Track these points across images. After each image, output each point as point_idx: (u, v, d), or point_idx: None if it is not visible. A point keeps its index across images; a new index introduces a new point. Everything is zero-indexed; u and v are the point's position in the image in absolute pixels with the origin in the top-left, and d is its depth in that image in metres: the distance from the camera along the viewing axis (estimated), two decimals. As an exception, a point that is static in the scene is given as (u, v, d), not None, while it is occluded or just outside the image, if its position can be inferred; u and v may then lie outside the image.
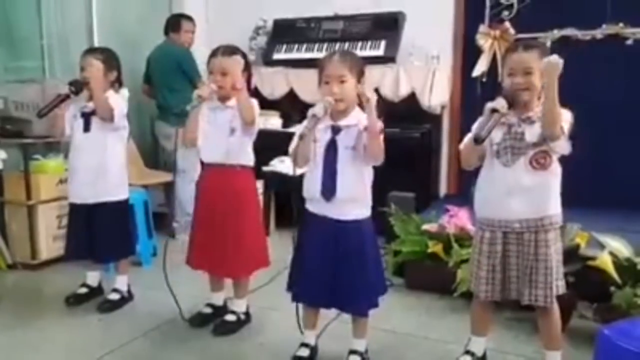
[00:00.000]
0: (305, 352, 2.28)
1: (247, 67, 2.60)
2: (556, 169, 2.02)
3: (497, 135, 2.00)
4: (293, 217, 2.28)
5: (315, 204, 2.17)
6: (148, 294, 2.98)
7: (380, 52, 4.27)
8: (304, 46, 4.57)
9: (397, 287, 3.17)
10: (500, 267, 2.06)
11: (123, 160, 2.91)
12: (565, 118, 1.94)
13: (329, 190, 2.11)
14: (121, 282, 2.94)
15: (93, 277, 3.01)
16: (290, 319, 2.28)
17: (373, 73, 4.20)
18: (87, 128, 2.79)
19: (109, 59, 2.85)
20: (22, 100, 3.45)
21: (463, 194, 4.22)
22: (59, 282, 3.09)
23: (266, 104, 4.46)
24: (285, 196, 4.21)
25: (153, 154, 4.60)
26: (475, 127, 2.01)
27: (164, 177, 4.18)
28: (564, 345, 2.16)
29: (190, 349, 2.47)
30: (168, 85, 4.15)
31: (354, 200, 2.14)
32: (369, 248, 2.17)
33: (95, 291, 3.01)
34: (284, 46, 4.65)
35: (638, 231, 2.78)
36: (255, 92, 4.61)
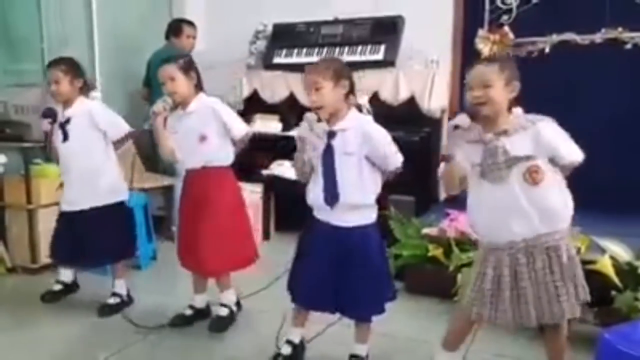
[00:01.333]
0: (287, 349, 2.29)
1: (193, 68, 2.63)
2: (552, 180, 1.91)
3: (475, 155, 1.93)
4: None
5: (319, 210, 2.18)
6: (147, 297, 2.98)
7: (379, 56, 4.28)
8: (304, 50, 4.58)
9: (397, 291, 3.16)
10: (509, 293, 1.92)
11: (114, 160, 2.92)
12: (567, 139, 1.92)
13: (331, 196, 2.11)
14: (120, 286, 2.94)
15: (67, 274, 3.05)
16: (289, 322, 2.31)
17: (372, 77, 4.22)
18: (65, 137, 2.81)
19: (73, 67, 2.87)
20: (22, 104, 3.45)
21: (463, 198, 4.23)
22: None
23: (266, 108, 4.48)
24: (286, 200, 4.23)
25: (152, 157, 4.60)
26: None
27: (163, 180, 4.18)
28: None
29: (188, 352, 2.47)
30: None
31: (357, 206, 2.13)
32: (375, 254, 2.17)
33: (71, 287, 3.05)
34: (284, 50, 4.66)
35: (638, 235, 2.78)
36: (255, 96, 4.64)
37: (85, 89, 2.91)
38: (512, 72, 1.93)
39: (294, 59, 4.59)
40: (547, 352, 2.10)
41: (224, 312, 2.67)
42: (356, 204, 2.13)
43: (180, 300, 2.79)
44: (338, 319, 2.39)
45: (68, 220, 2.87)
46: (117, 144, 2.92)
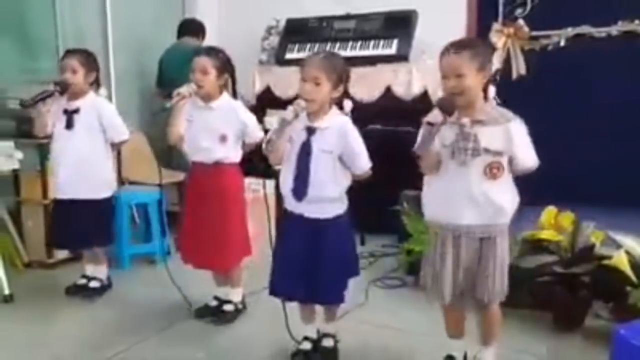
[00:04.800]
0: (307, 345, 2.35)
1: (228, 69, 2.66)
2: (507, 178, 1.97)
3: (448, 136, 1.94)
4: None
5: (288, 202, 2.23)
6: (162, 293, 3.00)
7: (392, 50, 4.26)
8: (317, 46, 4.57)
9: (409, 287, 3.16)
10: (452, 269, 2.01)
11: (110, 157, 3.01)
12: (528, 145, 1.94)
13: (300, 191, 2.16)
14: (102, 271, 3.10)
15: (90, 269, 3.12)
16: (294, 315, 2.35)
17: (385, 72, 4.20)
18: (69, 126, 2.88)
19: (89, 60, 2.96)
20: (38, 101, 3.49)
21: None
22: (74, 281, 3.12)
23: (279, 104, 4.48)
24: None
25: (166, 153, 4.63)
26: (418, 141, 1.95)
27: (177, 176, 4.20)
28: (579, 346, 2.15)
29: (202, 348, 2.49)
30: (185, 84, 4.14)
31: (324, 200, 2.17)
32: (343, 245, 2.24)
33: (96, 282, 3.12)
34: (297, 46, 4.66)
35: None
36: (267, 92, 4.65)
37: (96, 84, 2.99)
38: (484, 55, 1.94)
39: (307, 54, 4.58)
40: (481, 328, 2.16)
41: (229, 307, 2.73)
42: (326, 197, 2.17)
43: (197, 294, 2.81)
44: (345, 313, 2.45)
45: (63, 209, 2.97)
46: (113, 146, 3.02)
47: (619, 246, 2.57)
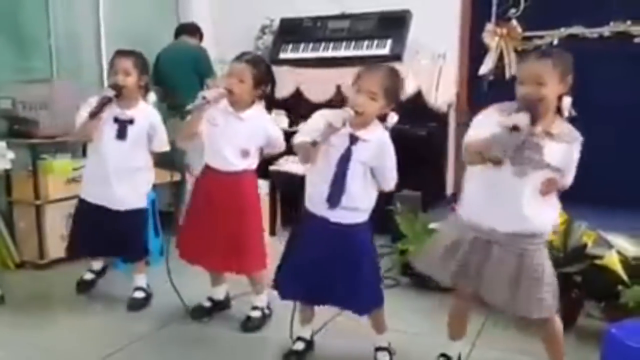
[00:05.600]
0: (300, 345, 2.33)
1: (265, 82, 2.57)
2: (555, 200, 1.95)
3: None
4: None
5: (316, 205, 2.17)
6: (157, 293, 2.99)
7: (386, 50, 4.27)
8: (310, 45, 4.58)
9: (403, 287, 3.17)
10: (474, 267, 1.96)
11: (151, 165, 2.92)
12: (576, 165, 1.91)
13: (335, 199, 2.11)
14: (142, 280, 2.96)
15: (97, 263, 3.05)
16: (279, 315, 2.40)
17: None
18: (121, 136, 2.74)
19: (142, 62, 2.84)
20: (30, 101, 3.47)
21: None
22: (67, 281, 3.10)
23: (273, 103, 4.47)
24: (292, 195, 4.23)
25: (161, 153, 4.61)
26: (490, 138, 1.81)
27: (173, 176, 4.18)
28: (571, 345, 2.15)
29: (196, 347, 2.48)
30: (184, 82, 4.11)
31: (356, 210, 2.15)
32: (369, 251, 2.20)
33: (101, 274, 3.07)
34: (290, 45, 4.65)
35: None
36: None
37: (145, 88, 2.88)
38: (566, 66, 1.88)
39: (301, 54, 4.59)
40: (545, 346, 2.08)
41: (256, 314, 2.66)
42: (357, 207, 2.15)
43: (194, 294, 2.80)
44: (335, 315, 2.45)
45: (98, 214, 2.80)
46: (152, 154, 2.91)
47: (610, 246, 2.58)
